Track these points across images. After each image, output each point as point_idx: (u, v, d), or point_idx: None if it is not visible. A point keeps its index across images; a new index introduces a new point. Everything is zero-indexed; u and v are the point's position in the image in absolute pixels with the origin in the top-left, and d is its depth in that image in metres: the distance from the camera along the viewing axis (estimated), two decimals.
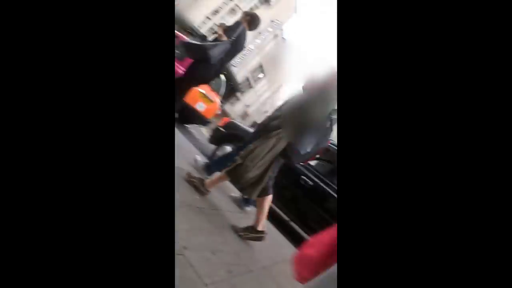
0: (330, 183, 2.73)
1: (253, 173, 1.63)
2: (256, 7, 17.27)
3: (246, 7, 15.56)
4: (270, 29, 18.34)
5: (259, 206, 1.79)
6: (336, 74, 1.65)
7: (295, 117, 1.64)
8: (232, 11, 15.67)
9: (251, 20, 2.25)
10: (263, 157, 1.63)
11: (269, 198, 1.79)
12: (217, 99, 4.64)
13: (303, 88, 1.72)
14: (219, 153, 3.20)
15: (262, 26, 18.01)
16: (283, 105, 1.80)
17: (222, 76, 4.81)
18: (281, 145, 1.63)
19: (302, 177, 2.77)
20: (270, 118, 1.76)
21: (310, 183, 2.75)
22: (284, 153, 1.65)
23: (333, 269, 0.47)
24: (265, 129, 1.73)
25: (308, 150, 1.62)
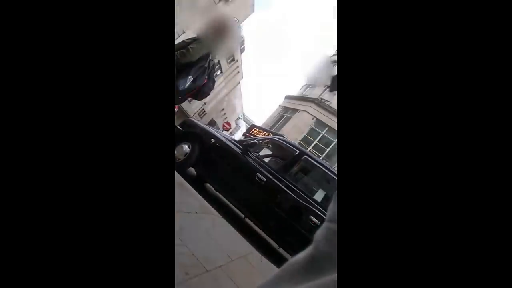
0: (282, 179, 2.84)
1: None
2: (215, 3, 17.00)
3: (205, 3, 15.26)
4: None
5: None
6: (228, 21, 1.88)
7: (180, 56, 1.77)
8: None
9: None
10: None
11: None
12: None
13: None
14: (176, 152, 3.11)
15: None
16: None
17: None
18: None
19: (258, 174, 2.85)
20: None
21: (264, 179, 2.83)
22: None
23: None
24: None
25: (185, 86, 1.79)
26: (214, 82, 2.07)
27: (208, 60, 1.85)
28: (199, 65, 1.81)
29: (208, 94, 2.11)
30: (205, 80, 1.87)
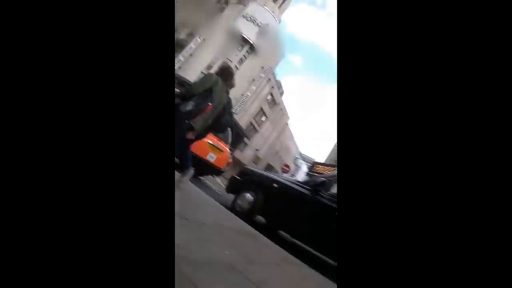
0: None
1: None
2: (245, 57, 18.33)
3: (236, 59, 16.60)
4: (263, 75, 19.18)
5: None
6: (229, 68, 2.51)
7: (186, 91, 2.28)
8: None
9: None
10: None
11: None
12: (226, 148, 4.54)
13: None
14: (239, 201, 2.91)
15: (255, 73, 18.91)
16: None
17: None
18: None
19: (336, 214, 2.40)
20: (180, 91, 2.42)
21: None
22: None
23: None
24: None
25: (188, 108, 2.18)
26: (231, 115, 2.50)
27: (207, 93, 2.28)
28: (202, 96, 2.24)
29: (227, 126, 2.55)
30: (209, 106, 2.23)
